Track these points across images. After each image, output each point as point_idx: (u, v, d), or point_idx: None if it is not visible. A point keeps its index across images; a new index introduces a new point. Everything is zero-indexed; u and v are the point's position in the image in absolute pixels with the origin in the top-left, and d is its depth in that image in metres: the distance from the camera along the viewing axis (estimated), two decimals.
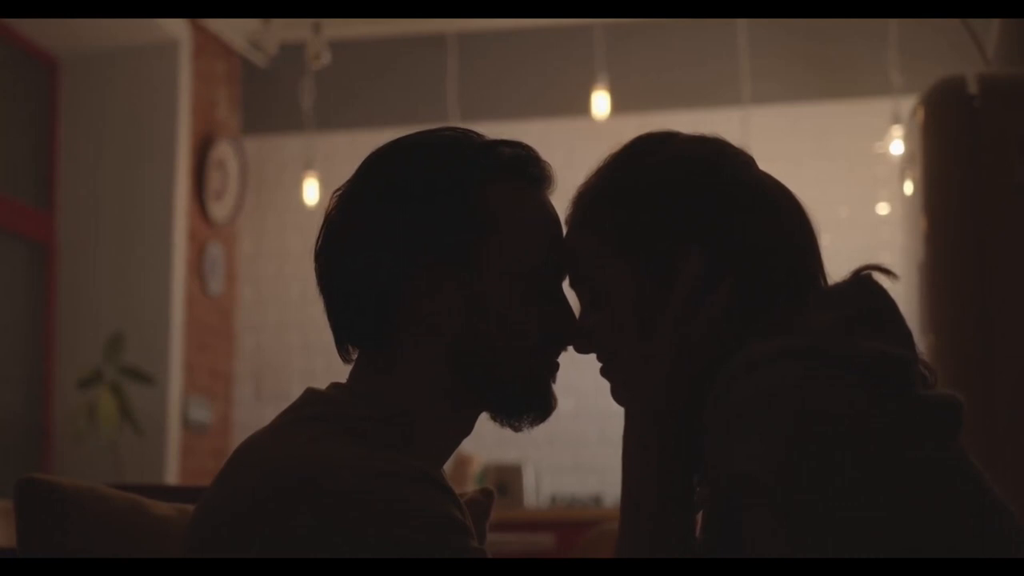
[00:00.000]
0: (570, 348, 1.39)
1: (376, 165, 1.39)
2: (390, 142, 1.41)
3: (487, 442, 5.14)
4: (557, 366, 1.40)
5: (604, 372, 1.37)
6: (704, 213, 1.30)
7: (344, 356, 1.39)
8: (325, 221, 1.39)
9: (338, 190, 1.40)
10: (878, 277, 1.31)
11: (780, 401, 1.17)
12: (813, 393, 1.17)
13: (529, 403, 1.38)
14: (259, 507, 1.22)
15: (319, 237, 1.39)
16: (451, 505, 1.25)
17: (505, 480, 5.24)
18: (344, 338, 1.38)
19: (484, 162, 1.36)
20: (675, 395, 1.27)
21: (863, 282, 1.30)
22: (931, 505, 1.17)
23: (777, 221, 1.32)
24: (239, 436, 1.36)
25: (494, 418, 1.40)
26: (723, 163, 1.35)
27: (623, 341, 1.34)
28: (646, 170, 1.34)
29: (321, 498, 1.20)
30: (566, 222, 1.40)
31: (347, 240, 1.36)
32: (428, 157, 1.37)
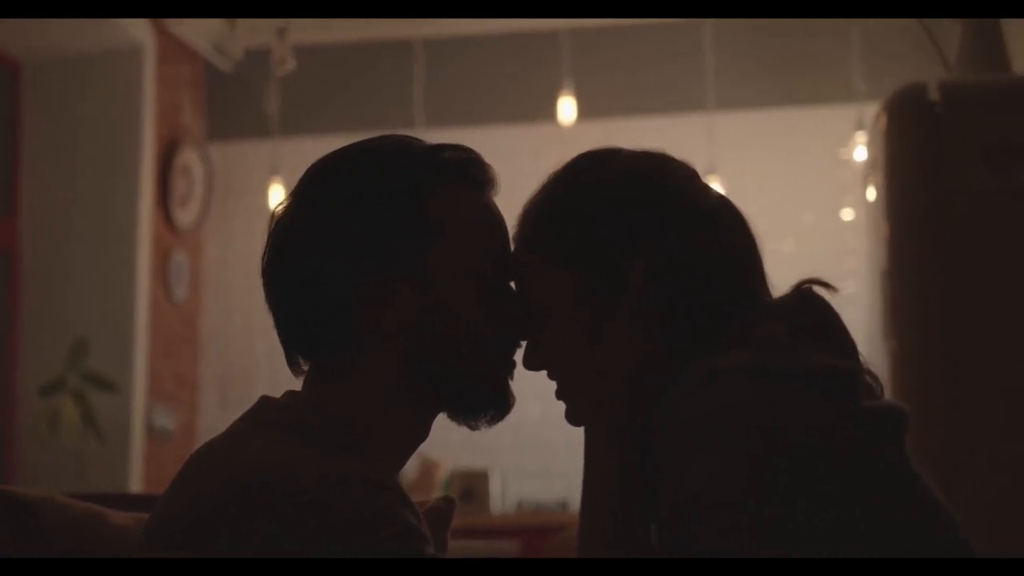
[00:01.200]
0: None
1: (320, 176, 1.39)
2: (332, 153, 1.41)
3: (454, 448, 5.12)
4: (514, 364, 1.40)
5: (558, 395, 1.38)
6: (645, 229, 1.31)
7: (295, 370, 1.39)
8: (271, 235, 1.38)
9: (280, 203, 1.39)
10: (819, 290, 1.32)
11: (736, 417, 1.18)
12: (768, 408, 1.19)
13: (486, 401, 1.39)
14: (217, 513, 1.21)
15: (265, 252, 1.38)
16: (408, 512, 1.24)
17: (472, 486, 5.24)
18: (295, 351, 1.38)
19: (428, 168, 1.37)
20: (632, 408, 1.28)
21: (805, 296, 1.31)
22: (889, 512, 1.19)
23: (717, 235, 1.33)
24: (204, 442, 1.37)
25: (452, 417, 1.41)
26: (664, 179, 1.36)
27: (569, 359, 1.35)
28: (588, 188, 1.36)
29: (278, 504, 1.19)
30: (513, 239, 1.41)
31: (295, 252, 1.36)
32: (372, 165, 1.37)
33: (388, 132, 1.44)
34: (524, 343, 1.40)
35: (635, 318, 1.29)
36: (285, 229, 1.37)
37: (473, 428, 1.41)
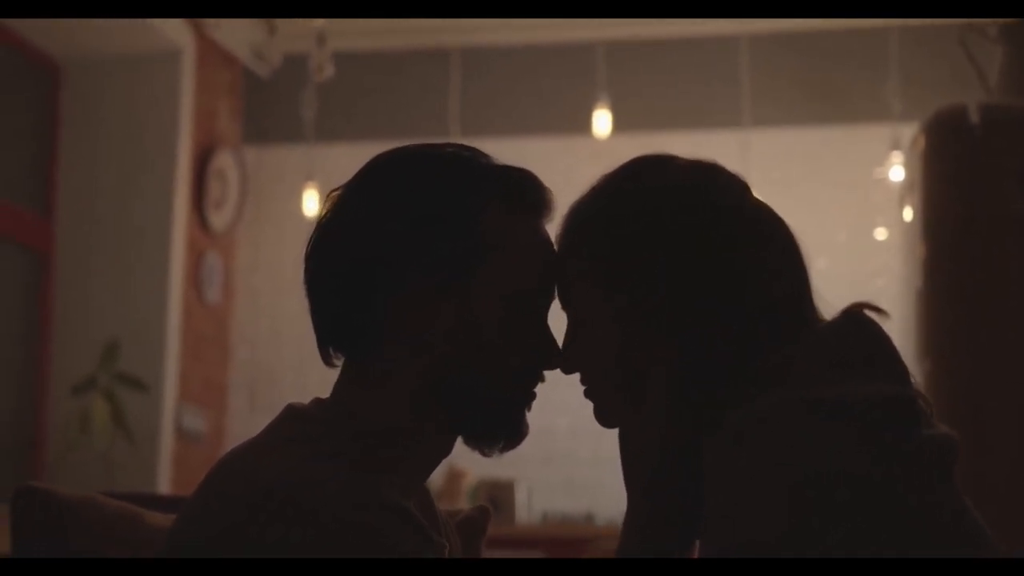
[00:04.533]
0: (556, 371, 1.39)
1: (378, 173, 1.38)
2: (394, 150, 1.40)
3: (480, 458, 5.12)
4: (534, 395, 1.39)
5: (587, 394, 1.37)
6: (690, 241, 1.29)
7: (326, 360, 1.38)
8: (319, 223, 1.37)
9: (334, 191, 1.38)
10: (869, 314, 1.29)
11: (784, 464, 1.15)
12: (819, 452, 1.15)
13: (500, 431, 1.38)
14: (239, 526, 1.21)
15: (310, 239, 1.37)
16: (423, 541, 1.24)
17: (497, 496, 5.24)
18: (326, 341, 1.37)
19: (488, 187, 1.35)
20: (672, 455, 1.26)
21: (855, 320, 1.28)
22: (944, 546, 1.16)
23: (765, 252, 1.31)
24: (232, 446, 1.37)
25: (465, 441, 1.40)
26: (716, 190, 1.34)
27: (603, 366, 1.34)
28: (637, 196, 1.34)
29: (298, 527, 1.19)
30: (556, 240, 1.39)
31: (339, 246, 1.35)
32: (431, 174, 1.36)
33: (424, 141, 1.42)
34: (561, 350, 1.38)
35: (681, 336, 1.27)
36: (336, 218, 1.36)
37: (485, 455, 1.41)
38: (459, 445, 1.42)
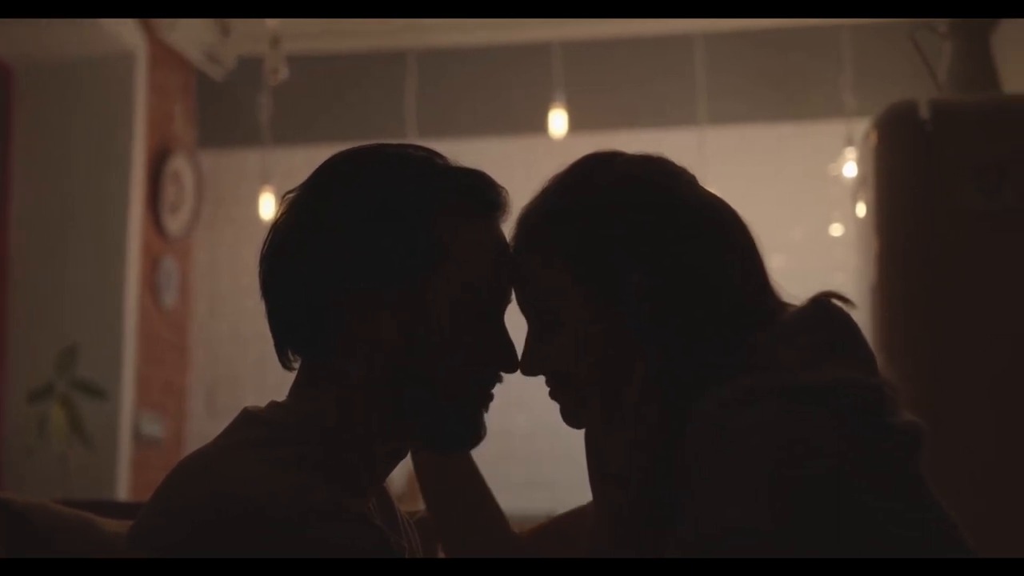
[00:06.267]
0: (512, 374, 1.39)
1: (330, 175, 1.37)
2: (347, 151, 1.39)
3: None
4: (491, 397, 1.38)
5: (553, 395, 1.37)
6: (647, 233, 1.30)
7: (284, 362, 1.37)
8: (273, 226, 1.37)
9: (289, 193, 1.38)
10: (836, 303, 1.30)
11: (762, 450, 1.16)
12: (796, 436, 1.16)
13: (455, 432, 1.37)
14: (194, 535, 1.21)
15: (265, 242, 1.37)
16: (380, 544, 1.23)
17: None
18: (284, 344, 1.37)
19: (439, 186, 1.35)
20: (652, 450, 1.26)
21: (823, 308, 1.29)
22: (916, 527, 1.18)
23: (723, 240, 1.32)
24: (191, 450, 1.36)
25: (423, 443, 1.39)
26: (665, 181, 1.34)
27: (570, 363, 1.33)
28: (590, 192, 1.34)
29: (253, 534, 1.19)
30: (511, 243, 1.39)
31: (293, 249, 1.34)
32: (383, 175, 1.35)
33: (379, 142, 1.41)
34: (522, 349, 1.38)
35: (644, 329, 1.27)
36: (288, 222, 1.36)
37: (444, 456, 1.40)
38: None
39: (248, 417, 1.34)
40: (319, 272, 1.32)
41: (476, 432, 1.37)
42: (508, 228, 1.41)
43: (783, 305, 1.34)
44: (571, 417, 1.37)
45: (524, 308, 1.38)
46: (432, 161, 1.38)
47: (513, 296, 1.40)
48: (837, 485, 1.15)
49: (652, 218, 1.31)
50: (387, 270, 1.31)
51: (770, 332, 1.27)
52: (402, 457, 1.41)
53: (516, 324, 1.40)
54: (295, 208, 1.36)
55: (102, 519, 1.50)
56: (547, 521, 1.59)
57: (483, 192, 1.38)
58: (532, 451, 5.60)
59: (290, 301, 1.35)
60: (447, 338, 1.33)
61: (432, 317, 1.32)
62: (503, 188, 1.40)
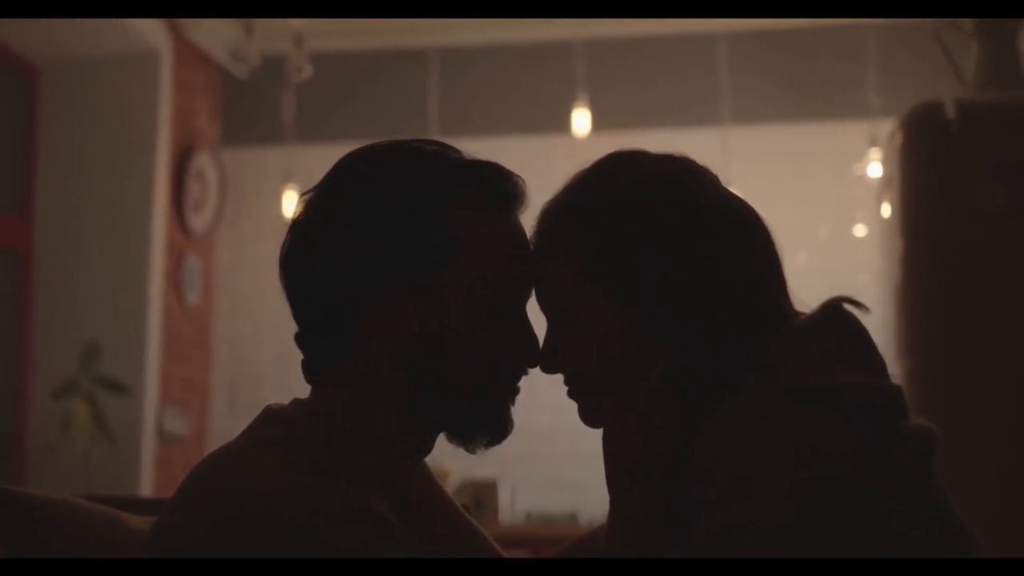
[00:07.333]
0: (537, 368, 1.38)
1: (344, 174, 1.38)
2: (360, 149, 1.39)
3: (463, 457, 5.11)
4: (517, 390, 1.38)
5: (571, 394, 1.37)
6: (672, 233, 1.29)
7: (309, 369, 1.38)
8: (292, 226, 1.38)
9: (306, 193, 1.38)
10: (848, 307, 1.30)
11: (778, 452, 1.16)
12: (810, 438, 1.17)
13: (484, 426, 1.37)
14: (214, 533, 1.21)
15: (285, 242, 1.37)
16: (396, 547, 1.22)
17: (481, 496, 5.23)
18: (307, 345, 1.37)
19: (456, 181, 1.35)
20: (669, 452, 1.26)
21: (835, 313, 1.29)
22: (931, 533, 1.18)
23: (744, 241, 1.32)
24: (214, 447, 1.36)
25: (449, 439, 1.39)
26: (690, 182, 1.34)
27: (589, 361, 1.33)
28: (613, 190, 1.34)
29: (272, 534, 1.19)
30: (532, 241, 1.39)
31: (312, 248, 1.35)
32: (398, 172, 1.35)
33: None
34: (542, 345, 1.37)
35: (665, 328, 1.27)
36: (307, 219, 1.36)
37: (470, 451, 1.39)
38: (443, 445, 1.41)
39: (270, 415, 1.35)
40: (335, 272, 1.33)
41: (503, 425, 1.37)
42: (527, 220, 1.40)
43: (797, 313, 1.33)
44: (589, 416, 1.37)
45: (543, 305, 1.38)
46: (445, 155, 1.38)
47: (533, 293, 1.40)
48: (850, 487, 1.16)
49: (675, 217, 1.31)
50: (403, 267, 1.31)
51: (785, 334, 1.27)
52: (426, 453, 1.40)
53: (537, 321, 1.40)
54: (311, 208, 1.37)
55: (126, 515, 1.51)
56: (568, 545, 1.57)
57: (497, 183, 1.37)
58: (555, 451, 5.60)
59: (311, 300, 1.35)
60: (464, 332, 1.32)
61: (449, 312, 1.32)
62: (519, 177, 1.39)
